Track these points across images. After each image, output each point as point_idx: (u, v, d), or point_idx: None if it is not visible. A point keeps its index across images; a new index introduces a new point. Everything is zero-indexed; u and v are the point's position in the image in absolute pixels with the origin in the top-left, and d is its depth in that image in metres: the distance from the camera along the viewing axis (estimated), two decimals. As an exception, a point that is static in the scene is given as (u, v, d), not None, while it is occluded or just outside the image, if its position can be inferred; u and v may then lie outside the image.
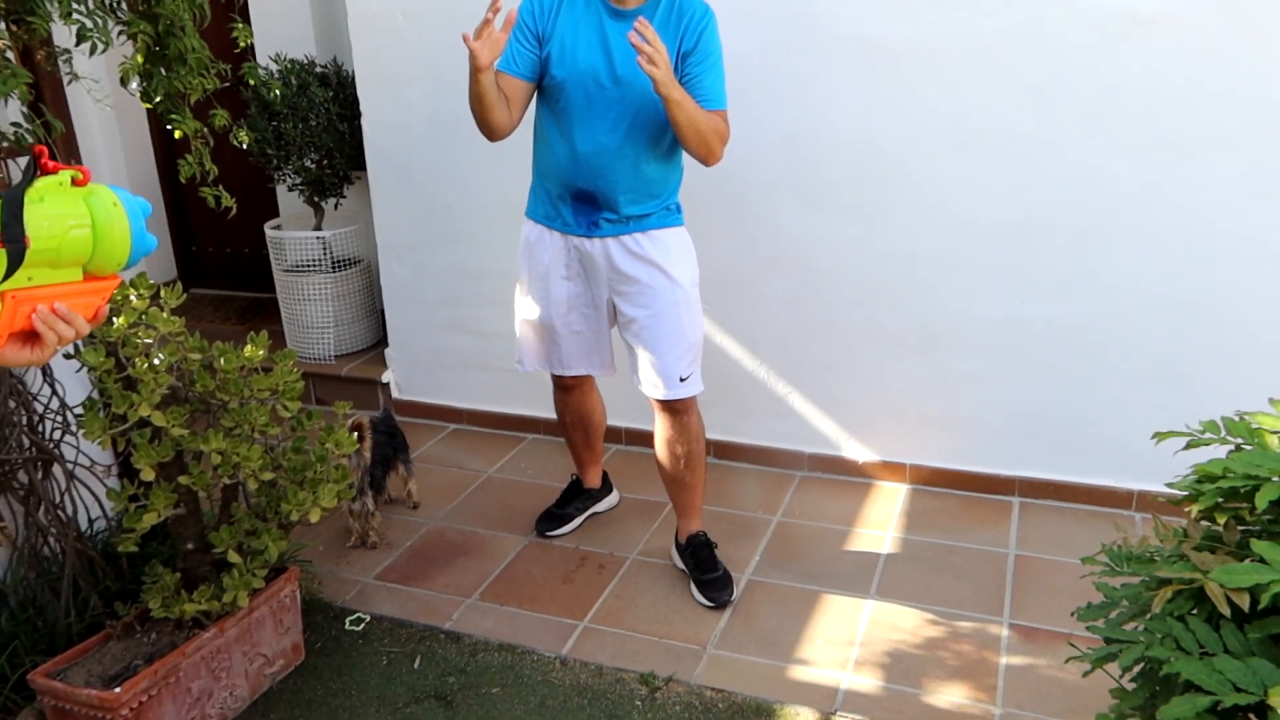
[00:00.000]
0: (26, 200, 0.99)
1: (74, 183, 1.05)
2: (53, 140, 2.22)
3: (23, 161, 2.29)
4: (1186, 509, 1.46)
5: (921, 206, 2.99)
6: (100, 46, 2.07)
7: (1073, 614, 1.62)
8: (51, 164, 1.03)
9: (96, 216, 1.05)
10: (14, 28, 2.02)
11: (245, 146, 2.72)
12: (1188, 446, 1.58)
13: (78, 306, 1.07)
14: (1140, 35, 2.66)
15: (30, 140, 2.14)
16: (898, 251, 3.06)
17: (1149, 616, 1.36)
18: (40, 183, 1.02)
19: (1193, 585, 1.24)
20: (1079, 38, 2.71)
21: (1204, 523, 1.42)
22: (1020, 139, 2.85)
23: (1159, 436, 1.64)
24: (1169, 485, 1.55)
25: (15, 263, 0.98)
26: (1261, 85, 2.60)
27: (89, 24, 2.03)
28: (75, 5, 1.99)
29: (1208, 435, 1.56)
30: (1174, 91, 2.68)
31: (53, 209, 1.01)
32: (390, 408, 3.77)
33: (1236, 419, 1.57)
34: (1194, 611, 1.30)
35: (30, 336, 1.05)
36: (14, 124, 2.14)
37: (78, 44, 2.06)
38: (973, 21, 2.79)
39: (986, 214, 2.93)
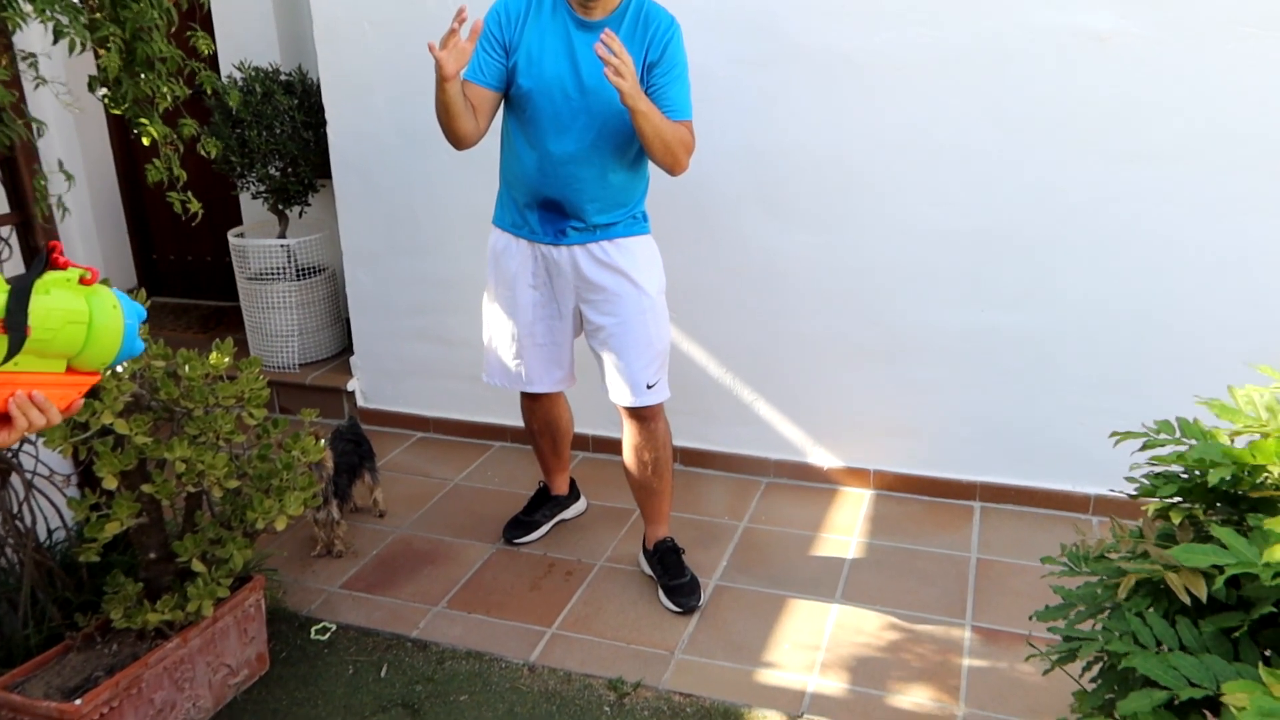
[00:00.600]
0: (34, 290, 1.03)
1: (82, 280, 1.10)
2: (17, 146, 2.19)
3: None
4: (1143, 507, 1.50)
5: (883, 217, 3.04)
6: (79, 45, 2.05)
7: (1031, 617, 1.65)
8: (62, 260, 1.08)
9: (95, 316, 1.09)
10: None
11: (211, 156, 2.70)
12: (1144, 447, 1.62)
13: (54, 397, 1.11)
14: (1094, 51, 2.73)
15: (6, 143, 2.11)
16: (861, 261, 3.10)
17: (1110, 610, 1.39)
18: (49, 276, 1.06)
19: (1152, 578, 1.28)
20: (1036, 53, 2.78)
21: (1159, 522, 1.46)
22: (979, 151, 2.90)
23: (1117, 436, 1.68)
24: (1128, 479, 1.59)
25: (14, 350, 1.02)
26: (1209, 101, 2.68)
27: (64, 19, 2.01)
28: (50, 4, 1.97)
29: (1163, 436, 1.61)
30: (1126, 106, 2.75)
31: (56, 302, 1.05)
32: (356, 416, 3.75)
33: (1190, 420, 1.62)
34: (1151, 608, 1.34)
35: (1, 419, 1.09)
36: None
37: (55, 41, 2.03)
38: (933, 36, 2.85)
39: (947, 224, 2.99)
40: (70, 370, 1.12)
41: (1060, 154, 2.84)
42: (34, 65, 2.25)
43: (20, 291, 1.01)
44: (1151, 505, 1.48)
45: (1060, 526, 3.06)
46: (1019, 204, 2.92)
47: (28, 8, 2.01)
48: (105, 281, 1.18)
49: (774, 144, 3.08)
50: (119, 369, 2.12)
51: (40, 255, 1.08)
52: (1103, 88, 2.76)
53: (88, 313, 1.09)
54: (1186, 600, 1.23)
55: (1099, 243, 2.88)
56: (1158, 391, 2.91)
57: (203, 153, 2.66)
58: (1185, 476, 1.51)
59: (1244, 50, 2.62)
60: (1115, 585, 1.40)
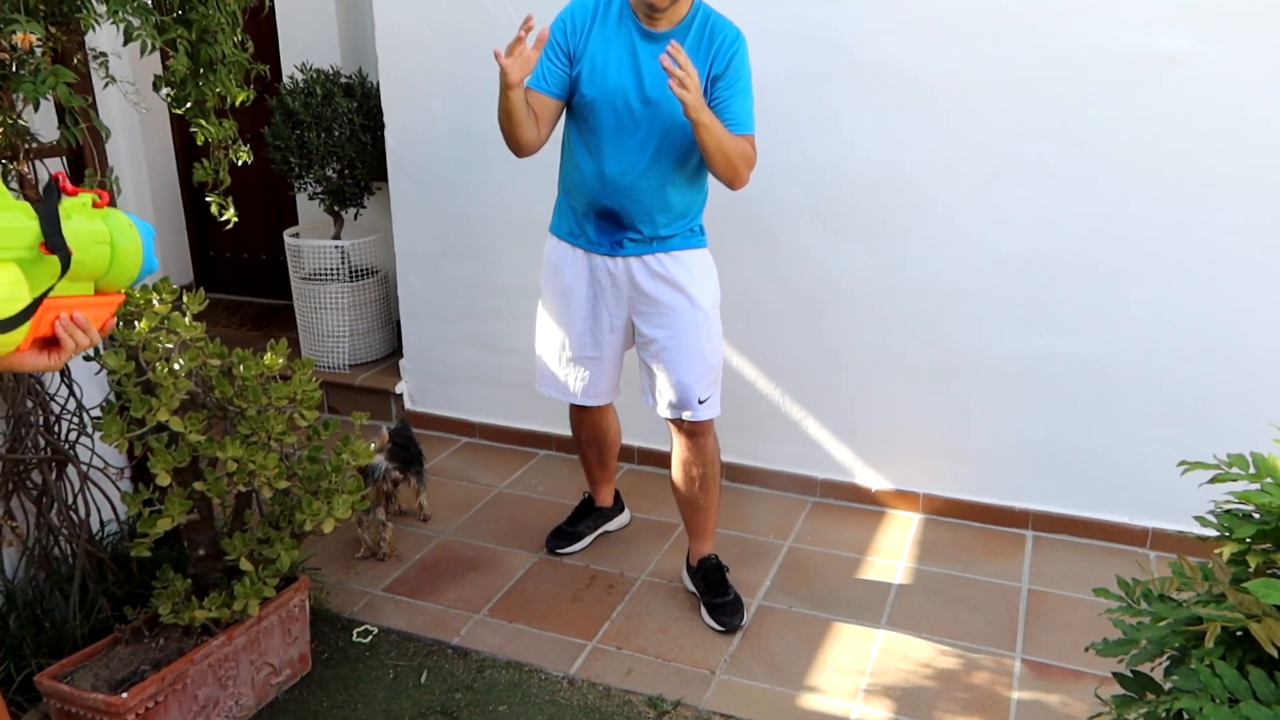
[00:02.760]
0: (61, 217, 1.07)
1: (94, 204, 1.14)
2: (87, 145, 2.22)
3: (50, 164, 2.31)
4: (1216, 550, 1.44)
5: (943, 235, 2.99)
6: (149, 45, 2.07)
7: (1087, 649, 1.60)
8: (70, 187, 1.12)
9: (115, 236, 1.14)
10: (53, 29, 2.03)
11: (240, 163, 2.70)
12: (1213, 480, 1.56)
13: (92, 317, 1.15)
14: (1166, 74, 2.66)
15: (73, 143, 2.15)
16: (917, 280, 3.05)
17: (1176, 656, 1.34)
18: (66, 202, 1.10)
19: (1230, 625, 1.22)
20: (1104, 75, 2.72)
21: (1233, 567, 1.40)
22: (1043, 172, 2.84)
23: (1185, 466, 1.62)
24: (1198, 519, 1.53)
25: (65, 266, 1.06)
26: (1286, 126, 2.60)
27: (134, 22, 2.04)
28: (123, 6, 2.00)
29: (1234, 470, 1.55)
30: (1197, 130, 2.68)
31: (78, 228, 1.09)
32: (406, 419, 3.76)
33: (1265, 455, 1.56)
34: (1223, 657, 1.28)
35: (48, 343, 1.13)
36: (60, 126, 2.15)
37: (126, 43, 2.06)
38: (997, 54, 2.80)
39: (1005, 246, 2.93)
40: (98, 291, 1.17)
41: (1126, 177, 2.78)
42: (104, 65, 2.29)
43: (51, 215, 1.05)
44: (1227, 548, 1.42)
45: (1116, 559, 2.98)
46: (1082, 227, 2.85)
47: (101, 9, 2.04)
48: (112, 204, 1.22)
49: (832, 159, 3.04)
50: (177, 365, 2.14)
51: (49, 183, 1.10)
52: (1173, 111, 2.69)
53: (108, 233, 1.14)
54: (1272, 652, 1.18)
55: (1164, 268, 2.81)
56: (1222, 423, 2.83)
57: (234, 159, 2.66)
58: (1259, 518, 1.45)
59: (1325, 76, 2.54)
60: (1186, 631, 1.34)
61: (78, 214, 1.11)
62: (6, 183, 2.24)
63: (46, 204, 1.06)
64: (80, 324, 1.13)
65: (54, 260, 1.05)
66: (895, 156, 2.98)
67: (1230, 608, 1.27)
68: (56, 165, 2.37)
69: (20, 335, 1.05)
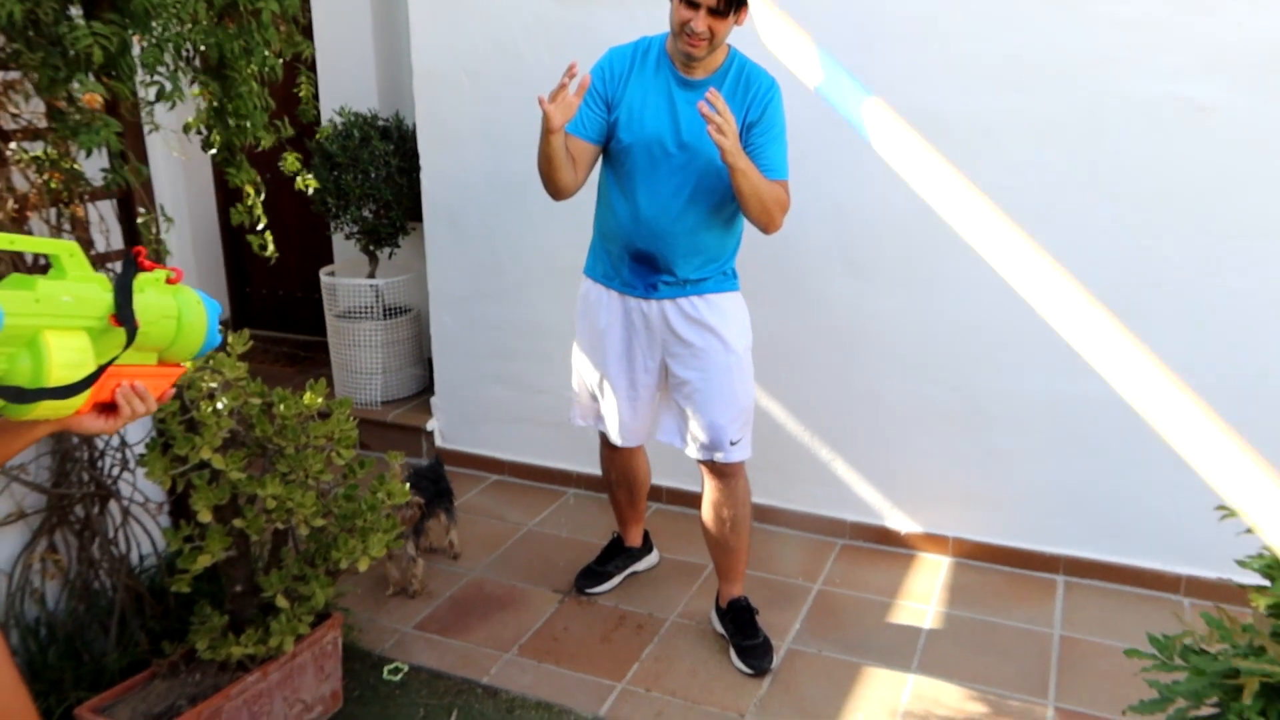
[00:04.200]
0: (135, 290, 1.13)
1: (168, 281, 1.21)
2: (135, 189, 2.30)
3: (103, 207, 2.38)
4: (1253, 602, 1.44)
5: (971, 280, 3.00)
6: (176, 101, 2.17)
7: (1125, 712, 1.59)
8: (148, 264, 1.18)
9: (183, 311, 1.21)
10: (106, 79, 2.11)
11: (310, 192, 2.82)
12: (1250, 530, 1.56)
13: (151, 387, 1.21)
14: (1196, 123, 2.68)
15: (119, 185, 2.22)
16: (946, 323, 3.07)
17: (1216, 712, 1.34)
18: (142, 277, 1.17)
19: (1271, 680, 1.22)
20: (1133, 123, 2.74)
21: (1272, 619, 1.40)
22: (1070, 218, 2.86)
23: (1224, 513, 1.62)
24: (1238, 563, 1.53)
25: (131, 339, 1.12)
26: (1320, 174, 2.61)
27: (168, 85, 2.13)
28: (159, 66, 2.08)
29: (1272, 521, 1.54)
30: (1227, 178, 2.69)
31: (149, 302, 1.16)
32: (439, 456, 3.80)
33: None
34: (1263, 711, 1.28)
35: (107, 407, 1.18)
36: (103, 170, 2.23)
37: (156, 101, 2.15)
38: (1026, 101, 2.83)
39: (1037, 291, 2.93)
40: (161, 362, 1.23)
41: (1156, 224, 2.79)
42: (151, 113, 2.37)
43: (124, 289, 1.12)
44: (1264, 599, 1.42)
45: (1149, 607, 2.95)
46: (1111, 273, 2.85)
47: (139, 70, 2.13)
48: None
49: (860, 203, 3.07)
50: (220, 404, 2.18)
51: (128, 258, 1.17)
52: (1203, 159, 2.70)
53: (176, 308, 1.20)
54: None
55: (1195, 316, 2.81)
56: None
57: (302, 186, 2.77)
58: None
59: (1357, 125, 2.55)
60: (1224, 684, 1.34)
61: (151, 288, 1.17)
62: (60, 226, 2.32)
63: (123, 277, 1.13)
64: (139, 392, 1.19)
65: (121, 331, 1.11)
66: (924, 201, 2.99)
67: (1270, 660, 1.26)
68: (107, 208, 2.45)
69: (82, 399, 1.10)
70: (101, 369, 1.10)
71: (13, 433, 1.17)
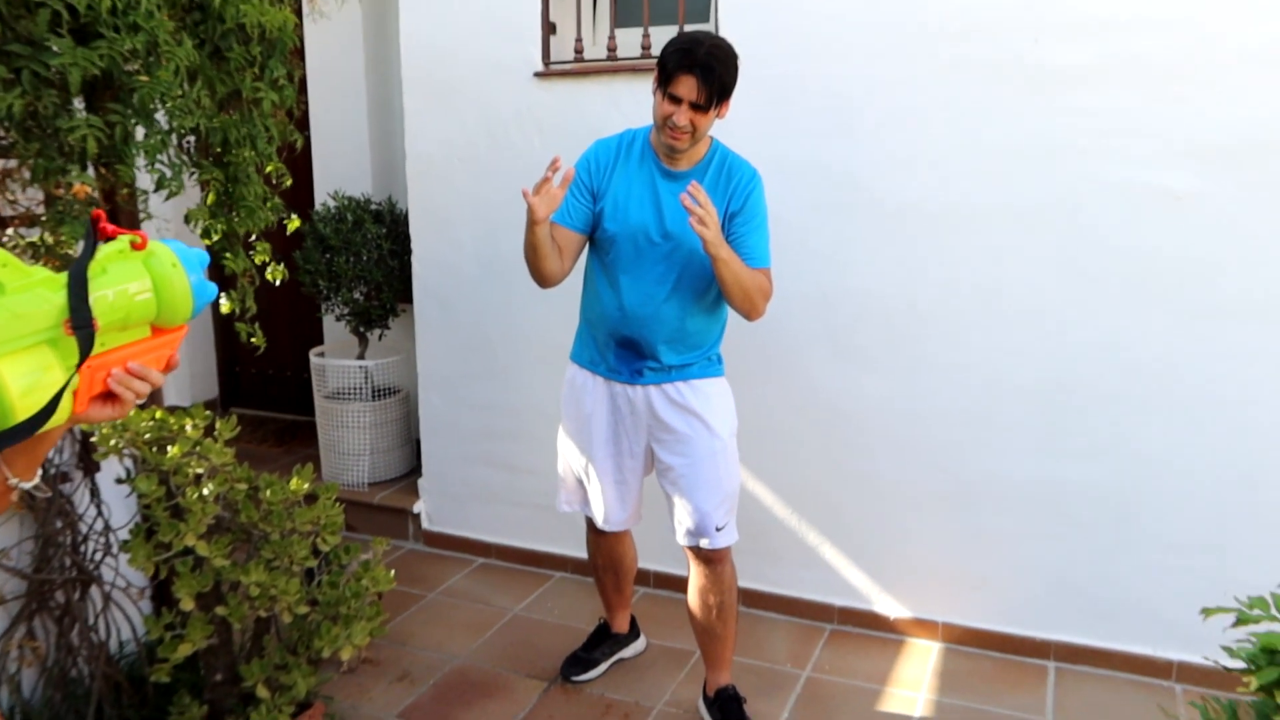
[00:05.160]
0: (90, 275, 1.01)
1: (133, 247, 1.07)
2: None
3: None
4: (1245, 680, 1.44)
5: (955, 364, 3.04)
6: (175, 191, 2.21)
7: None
8: (110, 228, 1.06)
9: (158, 279, 1.07)
10: (103, 170, 2.16)
11: (277, 283, 2.84)
12: (1237, 623, 1.56)
13: (149, 361, 1.10)
14: (1170, 209, 2.75)
15: None
16: (929, 407, 3.09)
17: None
18: (101, 252, 1.04)
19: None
20: (1109, 209, 2.81)
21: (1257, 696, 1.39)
22: (1050, 303, 2.91)
23: (1206, 613, 1.62)
24: (1224, 649, 1.53)
25: (85, 351, 1.00)
26: (1291, 263, 2.67)
27: (168, 173, 2.17)
28: (159, 156, 2.13)
29: (1256, 611, 1.55)
30: (1202, 264, 2.75)
31: (116, 280, 1.03)
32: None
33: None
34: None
35: (109, 395, 1.08)
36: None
37: (156, 190, 2.19)
38: (1005, 190, 2.90)
39: (1019, 374, 2.98)
40: (156, 331, 1.11)
41: (1134, 309, 2.84)
42: (146, 203, 2.41)
43: (78, 282, 1.00)
44: (1254, 679, 1.41)
45: (1141, 693, 2.92)
46: (1092, 357, 2.90)
47: (140, 159, 2.17)
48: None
49: (844, 288, 3.13)
50: (206, 490, 2.18)
51: (88, 229, 1.05)
52: (1178, 245, 2.77)
53: (150, 278, 1.07)
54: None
55: (1176, 399, 2.84)
56: (1242, 552, 2.82)
57: (270, 279, 2.80)
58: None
59: (1326, 216, 2.62)
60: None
61: (115, 263, 1.05)
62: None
63: (77, 265, 1.01)
64: (137, 373, 1.08)
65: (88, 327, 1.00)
66: (906, 287, 3.06)
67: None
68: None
69: (67, 411, 1.01)
70: (64, 386, 0.99)
71: (17, 452, 1.08)
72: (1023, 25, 2.80)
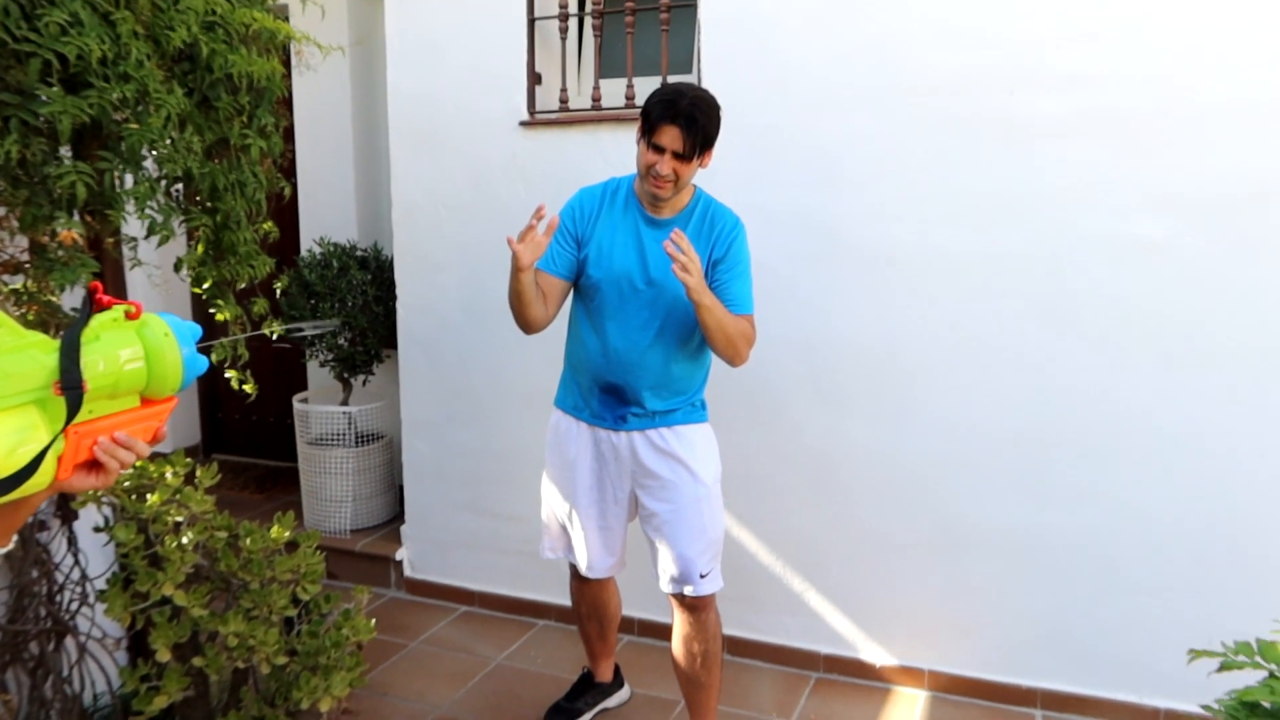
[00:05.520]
0: (83, 341, 1.02)
1: (127, 316, 1.08)
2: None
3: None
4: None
5: (936, 411, 3.06)
6: (166, 237, 2.22)
7: None
8: (106, 299, 1.08)
9: (150, 348, 1.08)
10: (89, 218, 2.17)
11: (274, 337, 2.85)
12: (1221, 669, 1.56)
13: (136, 431, 1.11)
14: (1148, 259, 2.79)
15: None
16: (915, 454, 3.10)
17: None
18: (95, 320, 1.06)
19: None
20: (1087, 258, 2.85)
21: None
22: (1031, 351, 2.94)
23: (1193, 655, 1.62)
24: (1204, 708, 1.53)
25: (73, 412, 1.01)
26: (1266, 312, 2.71)
27: (158, 219, 2.18)
28: (149, 202, 2.14)
29: (1241, 658, 1.55)
30: (1181, 311, 2.78)
31: (108, 347, 1.05)
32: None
33: (1270, 642, 1.56)
34: None
35: (94, 464, 1.09)
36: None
37: (147, 236, 2.20)
38: (984, 239, 2.94)
39: (1001, 422, 3.00)
40: (145, 401, 1.12)
41: (1114, 356, 2.87)
42: (135, 250, 2.42)
43: (70, 345, 1.01)
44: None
45: (1128, 742, 2.90)
46: (1073, 404, 2.92)
47: (130, 205, 2.18)
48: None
49: (827, 336, 3.15)
50: (185, 539, 2.16)
51: (85, 298, 1.07)
52: (1155, 292, 2.80)
53: (142, 347, 1.08)
54: None
55: (1156, 446, 2.86)
56: (1226, 600, 2.82)
57: (268, 333, 2.80)
58: (1269, 708, 1.45)
59: (1302, 264, 2.66)
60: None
61: (108, 332, 1.06)
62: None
63: (71, 331, 1.03)
64: (123, 442, 1.09)
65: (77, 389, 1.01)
66: (888, 334, 3.08)
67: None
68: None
69: (49, 474, 1.02)
70: (47, 447, 1.00)
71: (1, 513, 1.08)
72: (999, 79, 2.86)
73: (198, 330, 1.15)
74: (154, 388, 1.10)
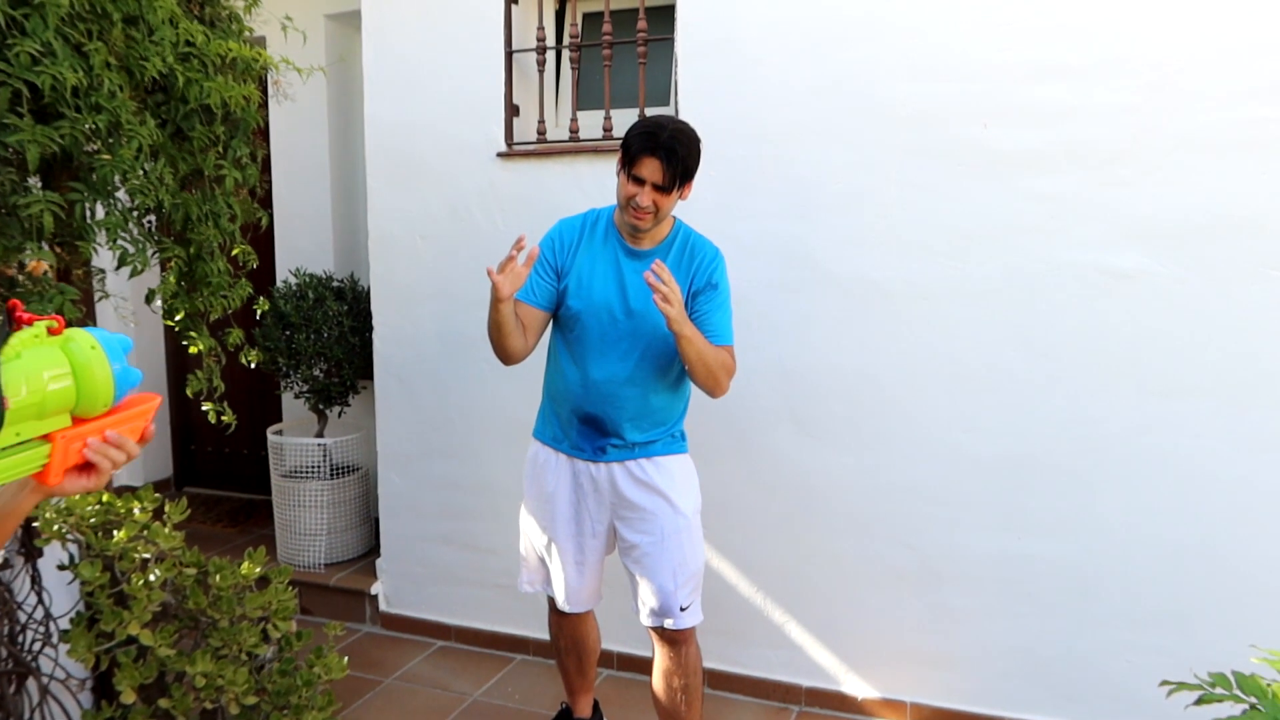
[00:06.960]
0: (3, 360, 0.98)
1: (50, 332, 1.05)
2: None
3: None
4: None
5: (915, 440, 3.05)
6: (139, 268, 2.18)
7: None
8: (26, 316, 1.04)
9: (77, 364, 1.05)
10: (58, 249, 2.13)
11: (253, 365, 2.81)
12: (1199, 701, 1.55)
13: (125, 432, 1.10)
14: (1121, 288, 2.81)
15: None
16: (894, 483, 3.09)
17: None
18: (15, 338, 1.02)
19: None
20: (1062, 288, 2.86)
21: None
22: (1008, 378, 2.94)
23: (1169, 687, 1.61)
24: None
25: None
26: (1238, 338, 2.72)
27: (130, 249, 2.14)
28: (121, 232, 2.11)
29: (1219, 690, 1.54)
30: (1155, 339, 2.80)
31: (30, 364, 1.01)
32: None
33: (1247, 675, 1.56)
34: None
35: (85, 467, 1.08)
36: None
37: (118, 267, 2.17)
38: (960, 268, 2.95)
39: (980, 450, 2.99)
40: (77, 420, 1.08)
41: (1090, 384, 2.87)
42: (103, 282, 2.38)
43: None
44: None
45: (1111, 774, 2.88)
46: (1050, 432, 2.93)
47: (101, 236, 2.14)
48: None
49: (806, 365, 3.14)
50: (152, 577, 2.11)
51: (3, 318, 1.03)
52: (1130, 321, 2.81)
53: (68, 363, 1.04)
54: None
55: (1135, 473, 2.86)
56: (1205, 628, 2.82)
57: (244, 362, 2.77)
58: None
59: (1273, 291, 2.68)
60: None
61: (30, 349, 1.02)
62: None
63: None
64: (115, 441, 1.08)
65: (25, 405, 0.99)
66: (868, 363, 3.08)
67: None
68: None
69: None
70: None
71: None
72: (973, 111, 2.88)
73: (128, 343, 1.12)
74: (84, 405, 1.07)
